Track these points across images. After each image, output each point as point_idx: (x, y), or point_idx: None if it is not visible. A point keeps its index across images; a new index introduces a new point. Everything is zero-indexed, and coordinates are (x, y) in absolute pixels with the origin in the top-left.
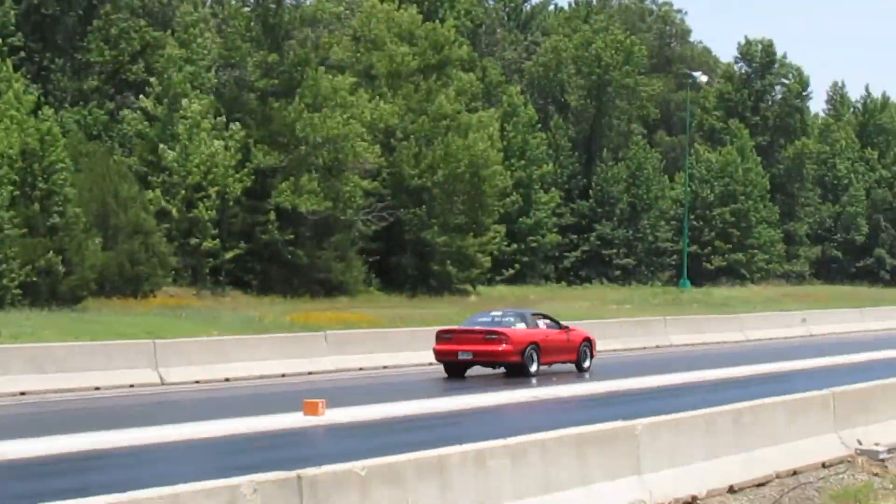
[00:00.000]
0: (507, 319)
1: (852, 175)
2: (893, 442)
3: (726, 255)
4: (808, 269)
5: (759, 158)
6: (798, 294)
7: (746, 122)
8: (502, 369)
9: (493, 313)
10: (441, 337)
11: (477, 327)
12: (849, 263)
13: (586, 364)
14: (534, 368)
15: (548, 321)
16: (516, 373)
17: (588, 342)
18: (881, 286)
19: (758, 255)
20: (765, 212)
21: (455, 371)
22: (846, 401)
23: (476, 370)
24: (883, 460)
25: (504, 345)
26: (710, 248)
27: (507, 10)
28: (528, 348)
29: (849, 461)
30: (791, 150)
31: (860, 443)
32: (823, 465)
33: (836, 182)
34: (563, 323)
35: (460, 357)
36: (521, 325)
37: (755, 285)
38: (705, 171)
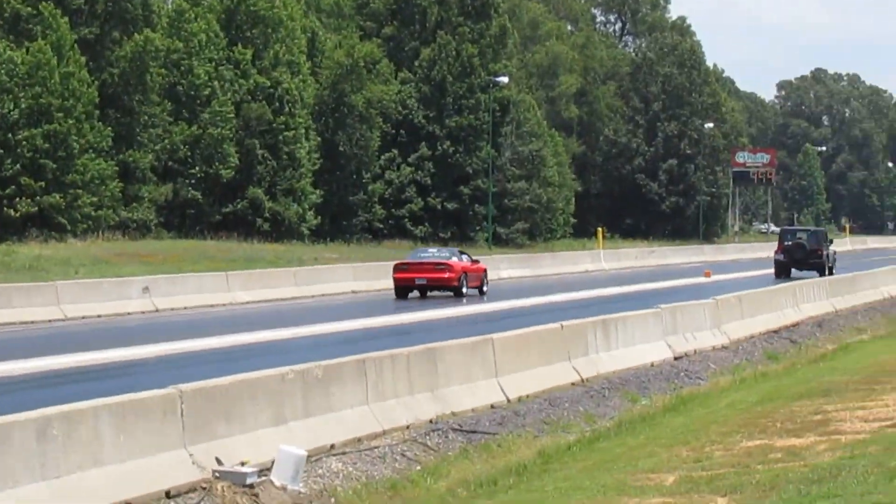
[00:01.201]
0: (444, 254)
1: (216, 83)
2: (266, 459)
3: (38, 198)
4: (154, 216)
5: (83, 59)
6: (140, 252)
7: (66, 7)
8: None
9: (431, 250)
10: (399, 268)
11: (429, 259)
12: (212, 209)
13: (485, 289)
14: (464, 291)
15: (465, 255)
16: (457, 294)
17: (486, 272)
18: (258, 241)
19: (83, 196)
20: (92, 135)
21: (409, 292)
22: (201, 402)
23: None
24: (252, 486)
25: (448, 273)
26: (14, 187)
27: None
28: (462, 276)
29: (204, 487)
30: (129, 48)
31: (220, 461)
32: (168, 495)
33: (193, 93)
34: (474, 257)
35: (417, 283)
36: (455, 259)
37: (79, 240)
38: (6, 76)
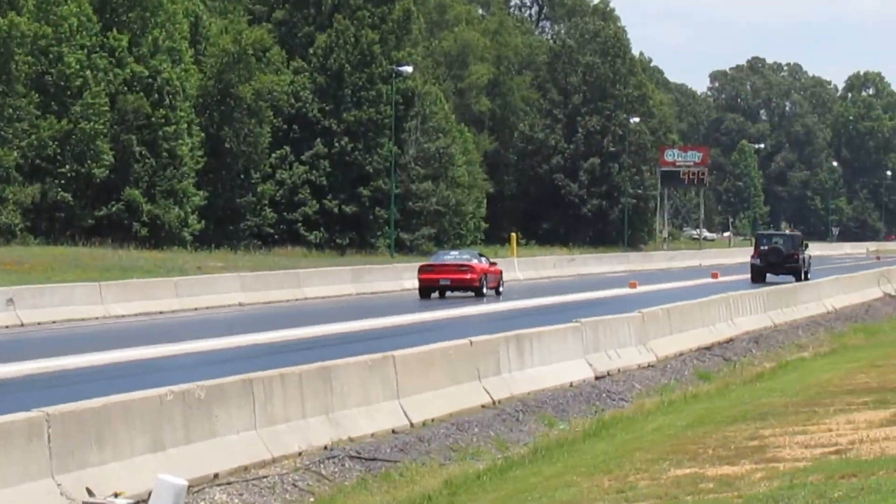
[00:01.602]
0: (465, 256)
1: (88, 73)
2: (143, 489)
3: None
4: (19, 220)
5: None
6: (3, 260)
7: None
8: (469, 292)
9: (453, 252)
10: (424, 269)
11: (452, 261)
12: (84, 212)
13: (501, 289)
14: (485, 291)
15: (484, 258)
16: (478, 294)
17: (502, 274)
18: (135, 247)
19: None
20: None
21: (433, 293)
22: (70, 426)
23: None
24: None
25: (471, 274)
26: None
27: None
28: (482, 277)
29: None
30: None
31: (91, 493)
32: None
33: (63, 84)
34: (491, 259)
35: (441, 283)
36: (476, 261)
37: None
38: None
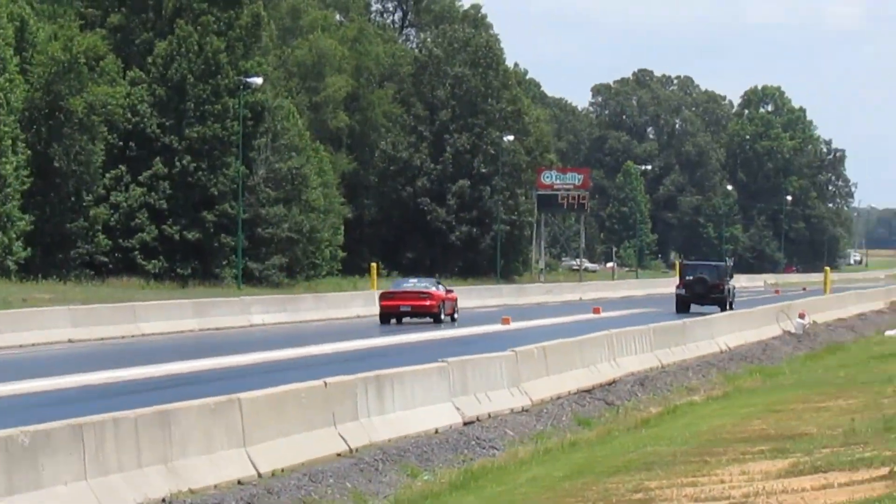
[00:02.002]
0: (424, 284)
1: None
2: None
3: None
4: None
5: None
6: None
7: None
8: (427, 318)
9: (412, 280)
10: (385, 296)
11: (411, 289)
12: None
13: (456, 316)
14: (443, 317)
15: (442, 286)
16: (437, 320)
17: (457, 301)
18: None
19: None
20: None
21: (394, 318)
22: None
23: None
24: None
25: (430, 301)
26: None
27: None
28: (441, 304)
29: None
30: None
31: None
32: None
33: None
34: (448, 287)
35: (402, 309)
36: (434, 288)
37: None
38: None
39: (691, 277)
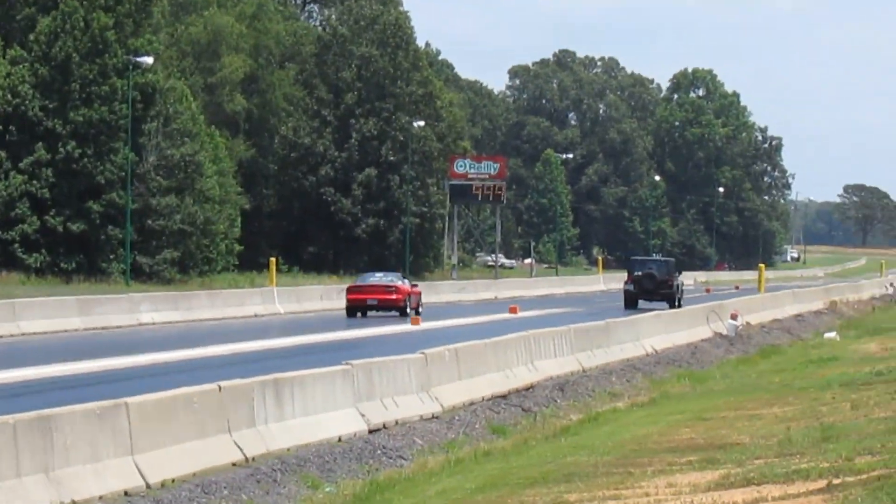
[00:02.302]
0: (390, 278)
1: None
2: None
3: None
4: None
5: None
6: None
7: None
8: (393, 312)
9: (378, 274)
10: (352, 290)
11: (377, 283)
12: None
13: (421, 310)
14: (408, 311)
15: (406, 279)
16: (402, 313)
17: (421, 295)
18: None
19: None
20: None
21: (361, 312)
22: None
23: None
24: None
25: (396, 294)
26: None
27: None
28: (406, 298)
29: None
30: None
31: None
32: None
33: None
34: (413, 282)
35: (368, 303)
36: (400, 282)
37: None
38: None
39: (640, 273)
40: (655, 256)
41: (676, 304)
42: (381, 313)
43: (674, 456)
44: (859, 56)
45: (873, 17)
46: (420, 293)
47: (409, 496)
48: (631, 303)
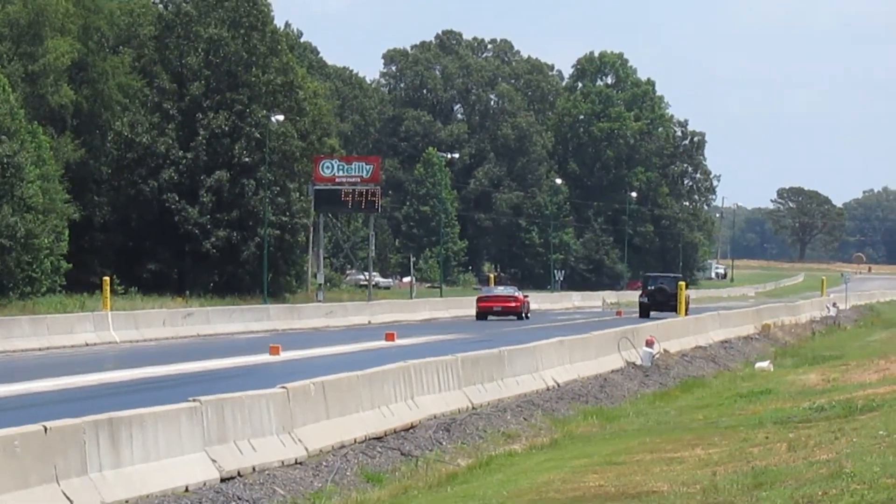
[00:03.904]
0: (509, 291)
1: None
2: None
3: None
4: None
5: None
6: None
7: None
8: (512, 317)
9: (500, 287)
10: (482, 300)
11: (501, 293)
12: None
13: (528, 315)
14: (524, 316)
15: (520, 292)
16: (520, 318)
17: (528, 302)
18: None
19: None
20: None
21: (487, 316)
22: None
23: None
24: None
25: (515, 303)
26: None
27: None
28: (522, 305)
29: None
30: None
31: None
32: None
33: None
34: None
35: (494, 310)
36: (518, 294)
37: None
38: None
39: (653, 287)
40: (667, 274)
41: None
42: (504, 317)
43: None
44: (794, 38)
45: None
46: (529, 301)
47: None
48: (645, 313)
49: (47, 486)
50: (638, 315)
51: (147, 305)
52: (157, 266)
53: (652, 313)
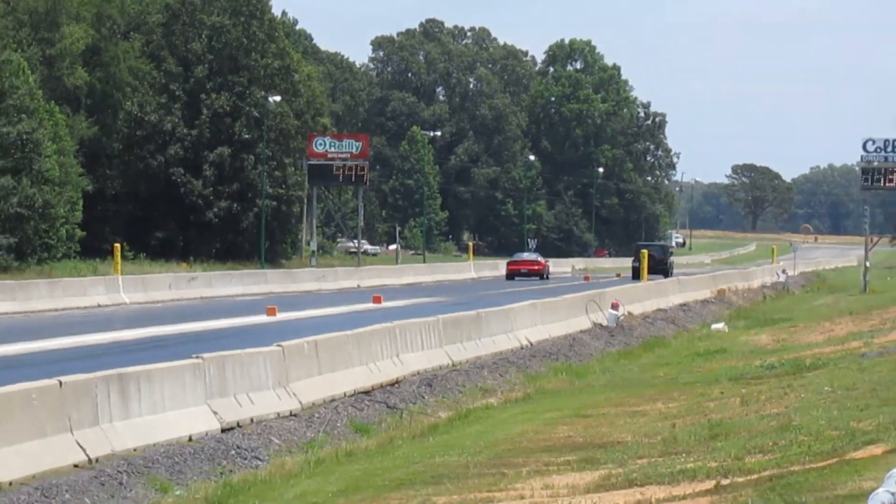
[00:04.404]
0: (534, 256)
1: None
2: None
3: None
4: None
5: None
6: None
7: None
8: (536, 278)
9: (525, 253)
10: (511, 263)
11: (527, 258)
12: None
13: (548, 276)
14: (545, 276)
15: (541, 256)
16: (544, 278)
17: (549, 266)
18: None
19: None
20: None
21: (514, 277)
22: None
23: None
24: None
25: (538, 266)
26: None
27: None
28: (544, 268)
29: None
30: None
31: None
32: None
33: None
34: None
35: (522, 272)
36: (540, 258)
37: None
38: None
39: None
40: (656, 242)
41: (669, 275)
42: (529, 279)
43: (550, 456)
44: (748, 27)
45: None
46: (549, 265)
47: (265, 499)
48: (637, 276)
49: (62, 435)
50: (631, 277)
51: (154, 270)
52: (163, 234)
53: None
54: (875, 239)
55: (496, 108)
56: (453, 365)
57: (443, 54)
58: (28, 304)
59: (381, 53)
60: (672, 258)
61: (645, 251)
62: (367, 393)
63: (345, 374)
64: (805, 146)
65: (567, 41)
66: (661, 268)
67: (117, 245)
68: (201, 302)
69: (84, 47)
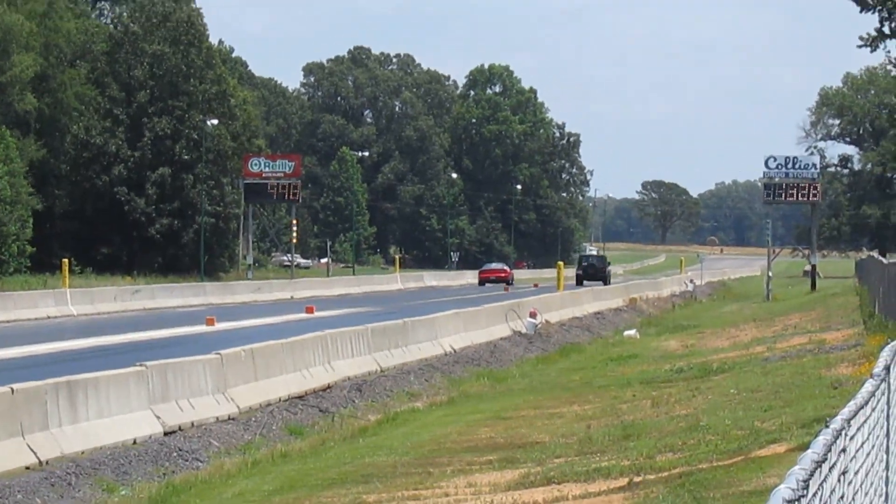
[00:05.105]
0: (500, 265)
1: None
2: None
3: None
4: None
5: None
6: None
7: None
8: (503, 283)
9: (495, 263)
10: (483, 271)
11: (495, 267)
12: None
13: (512, 282)
14: (510, 282)
15: (507, 266)
16: (508, 283)
17: (513, 274)
18: None
19: None
20: None
21: (485, 283)
22: None
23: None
24: None
25: (504, 273)
26: None
27: None
28: (510, 276)
29: None
30: None
31: None
32: None
33: None
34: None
35: (491, 279)
36: (506, 267)
37: None
38: None
39: (586, 263)
40: (596, 253)
41: (608, 283)
42: (496, 284)
43: (473, 455)
44: (654, 52)
45: (662, 11)
46: (514, 273)
47: (205, 498)
48: (580, 282)
49: (14, 439)
50: (575, 283)
51: (100, 283)
52: (108, 249)
53: (585, 283)
54: (777, 250)
55: (420, 130)
56: (381, 371)
57: (370, 79)
58: None
59: (312, 79)
60: (610, 267)
61: (586, 263)
62: (300, 398)
63: (280, 380)
64: (711, 163)
65: (486, 66)
66: (600, 276)
67: (65, 260)
68: (145, 313)
69: (33, 74)
